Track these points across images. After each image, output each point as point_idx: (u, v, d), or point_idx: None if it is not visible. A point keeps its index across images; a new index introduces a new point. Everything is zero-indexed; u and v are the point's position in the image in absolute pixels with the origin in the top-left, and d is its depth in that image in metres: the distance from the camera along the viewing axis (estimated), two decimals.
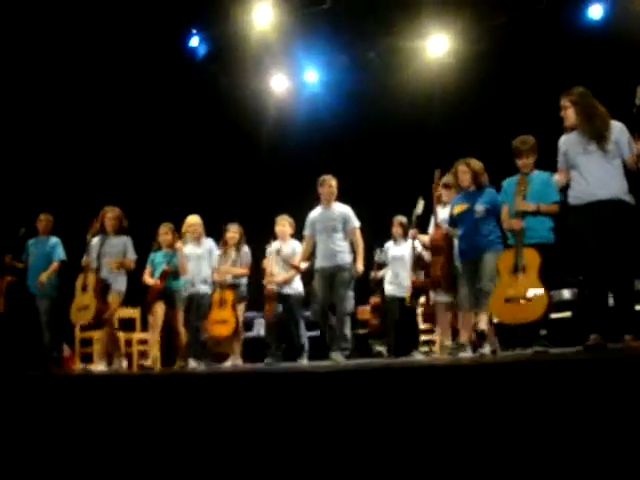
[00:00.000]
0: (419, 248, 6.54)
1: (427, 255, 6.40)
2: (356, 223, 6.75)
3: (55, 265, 7.45)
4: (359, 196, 7.29)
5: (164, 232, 7.18)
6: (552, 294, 7.36)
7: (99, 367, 6.81)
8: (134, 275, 7.19)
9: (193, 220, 7.33)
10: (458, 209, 5.77)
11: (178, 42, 10.16)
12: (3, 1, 8.39)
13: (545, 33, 8.51)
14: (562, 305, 7.64)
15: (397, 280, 7.25)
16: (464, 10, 8.98)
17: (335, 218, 6.70)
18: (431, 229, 6.35)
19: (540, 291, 4.76)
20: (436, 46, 9.47)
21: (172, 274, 7.00)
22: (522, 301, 4.78)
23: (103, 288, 6.90)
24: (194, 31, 10.21)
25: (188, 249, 7.23)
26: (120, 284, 7.03)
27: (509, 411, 2.94)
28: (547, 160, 5.22)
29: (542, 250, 4.92)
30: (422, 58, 9.59)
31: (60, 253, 7.52)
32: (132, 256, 7.16)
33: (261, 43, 9.67)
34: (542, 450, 2.80)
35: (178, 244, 7.05)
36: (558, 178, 5.00)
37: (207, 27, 10.16)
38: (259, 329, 9.27)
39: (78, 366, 7.28)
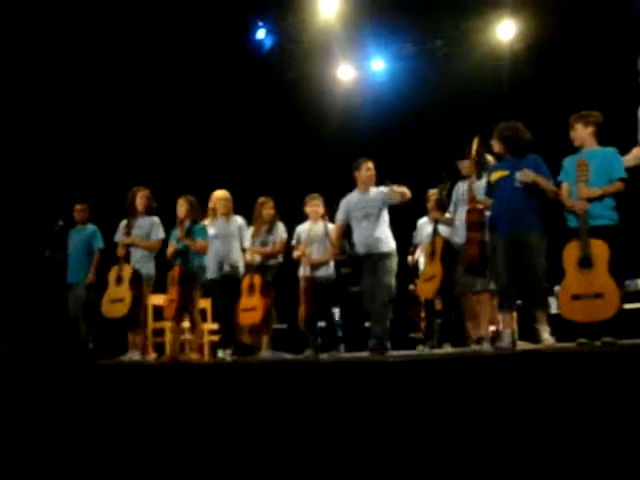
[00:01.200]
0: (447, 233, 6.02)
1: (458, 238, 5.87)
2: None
3: (97, 255, 7.42)
4: (427, 184, 7.15)
5: (179, 204, 7.02)
6: (627, 284, 7.23)
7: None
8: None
9: (223, 194, 7.08)
10: (496, 176, 5.28)
11: (245, 35, 10.24)
12: None
13: (616, 10, 8.23)
14: (638, 295, 7.40)
15: None
16: None
17: (375, 204, 6.38)
18: (451, 208, 6.04)
19: (612, 286, 4.44)
20: (505, 31, 9.28)
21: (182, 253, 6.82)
22: (593, 298, 4.45)
23: (137, 278, 6.82)
24: (260, 23, 10.26)
25: (216, 227, 6.99)
26: (148, 269, 6.98)
27: (578, 401, 2.88)
28: (622, 141, 5.00)
29: (608, 233, 4.61)
30: (491, 44, 9.42)
31: (99, 242, 7.48)
32: (157, 236, 7.05)
33: (327, 33, 9.66)
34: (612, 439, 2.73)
35: (180, 233, 6.79)
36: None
37: (273, 19, 10.21)
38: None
39: (152, 355, 7.38)
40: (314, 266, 6.86)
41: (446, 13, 9.22)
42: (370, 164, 6.53)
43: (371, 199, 6.43)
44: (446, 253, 5.77)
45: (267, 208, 6.99)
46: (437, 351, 6.69)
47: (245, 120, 10.19)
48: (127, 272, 6.80)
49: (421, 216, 7.18)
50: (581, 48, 8.44)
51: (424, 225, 7.00)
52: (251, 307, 6.63)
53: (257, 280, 6.69)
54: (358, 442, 3.39)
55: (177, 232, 6.91)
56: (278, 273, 7.09)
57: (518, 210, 5.04)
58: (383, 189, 6.35)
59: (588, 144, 4.93)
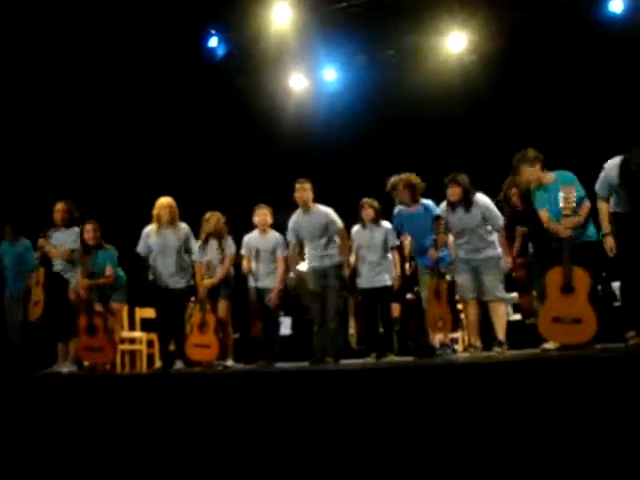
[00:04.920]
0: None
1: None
2: (339, 224, 6.60)
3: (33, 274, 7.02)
4: (378, 194, 7.19)
5: (86, 230, 6.86)
6: None
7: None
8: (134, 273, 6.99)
9: (167, 201, 6.85)
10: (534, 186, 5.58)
11: (197, 43, 10.18)
12: None
13: (565, 27, 8.44)
14: None
15: (377, 268, 6.72)
16: (483, 6, 8.95)
17: (318, 225, 6.55)
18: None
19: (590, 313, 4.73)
20: (455, 43, 9.43)
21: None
22: (572, 322, 4.74)
23: (51, 280, 6.66)
24: (213, 32, 10.22)
25: (161, 236, 6.80)
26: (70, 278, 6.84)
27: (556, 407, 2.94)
28: (567, 154, 5.18)
29: (589, 248, 5.00)
30: (441, 56, 9.56)
31: (31, 259, 7.16)
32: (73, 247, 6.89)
33: (280, 42, 9.67)
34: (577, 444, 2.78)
35: (82, 281, 6.64)
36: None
37: (226, 27, 10.18)
38: (283, 329, 9.14)
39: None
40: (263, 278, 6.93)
41: (397, 24, 9.32)
42: (305, 185, 6.60)
43: (316, 221, 6.58)
44: (452, 295, 5.98)
45: (213, 222, 6.86)
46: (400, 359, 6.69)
47: (195, 128, 10.12)
48: (41, 274, 6.67)
49: (355, 224, 7.01)
50: (531, 59, 8.63)
51: (358, 233, 6.90)
52: (204, 344, 6.50)
53: (210, 318, 6.56)
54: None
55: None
56: (232, 285, 6.98)
57: None
58: (331, 219, 6.57)
59: (544, 179, 5.23)
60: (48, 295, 6.60)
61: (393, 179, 6.36)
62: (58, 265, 6.89)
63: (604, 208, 5.02)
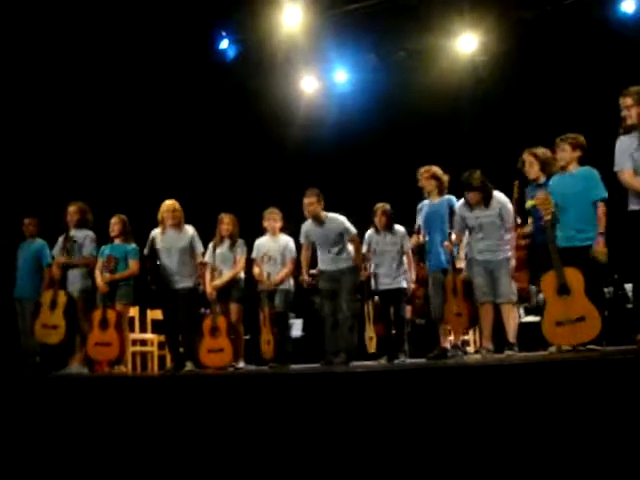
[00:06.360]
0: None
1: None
2: (353, 231, 6.58)
3: (47, 271, 7.19)
4: (390, 195, 7.19)
5: (113, 222, 6.90)
6: None
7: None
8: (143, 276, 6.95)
9: (171, 205, 6.85)
10: (530, 203, 5.52)
11: (208, 45, 10.20)
12: None
13: (576, 28, 8.40)
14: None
15: (392, 271, 6.76)
16: (493, 7, 8.92)
17: (329, 235, 6.55)
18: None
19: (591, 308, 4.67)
20: (466, 44, 9.40)
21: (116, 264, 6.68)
22: (575, 322, 4.68)
23: (71, 305, 6.64)
24: (224, 34, 10.24)
25: (167, 239, 6.80)
26: (85, 285, 6.84)
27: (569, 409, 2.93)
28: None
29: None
30: (452, 57, 9.53)
31: (47, 257, 7.25)
32: (87, 252, 6.90)
33: (291, 44, 9.68)
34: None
35: (107, 275, 6.64)
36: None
37: (236, 29, 10.19)
38: (294, 331, 9.15)
39: (106, 369, 7.21)
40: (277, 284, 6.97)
41: (408, 25, 9.30)
42: (311, 198, 6.55)
43: (328, 231, 6.58)
44: (467, 289, 5.93)
45: (225, 224, 6.95)
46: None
47: (206, 130, 10.14)
48: (62, 298, 6.59)
49: (367, 227, 7.03)
50: (542, 60, 8.60)
51: (372, 237, 6.91)
52: (217, 348, 6.52)
53: (222, 322, 6.58)
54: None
55: (106, 249, 6.82)
56: (243, 289, 7.06)
57: None
58: (344, 227, 6.54)
59: (571, 167, 5.16)
60: (69, 321, 6.57)
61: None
62: (76, 273, 6.85)
63: (634, 180, 4.67)
